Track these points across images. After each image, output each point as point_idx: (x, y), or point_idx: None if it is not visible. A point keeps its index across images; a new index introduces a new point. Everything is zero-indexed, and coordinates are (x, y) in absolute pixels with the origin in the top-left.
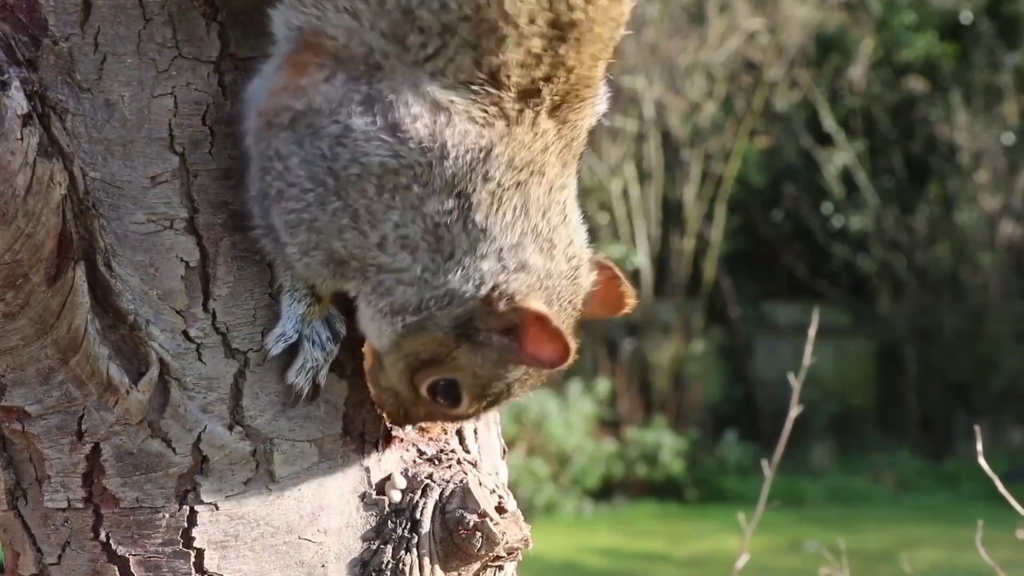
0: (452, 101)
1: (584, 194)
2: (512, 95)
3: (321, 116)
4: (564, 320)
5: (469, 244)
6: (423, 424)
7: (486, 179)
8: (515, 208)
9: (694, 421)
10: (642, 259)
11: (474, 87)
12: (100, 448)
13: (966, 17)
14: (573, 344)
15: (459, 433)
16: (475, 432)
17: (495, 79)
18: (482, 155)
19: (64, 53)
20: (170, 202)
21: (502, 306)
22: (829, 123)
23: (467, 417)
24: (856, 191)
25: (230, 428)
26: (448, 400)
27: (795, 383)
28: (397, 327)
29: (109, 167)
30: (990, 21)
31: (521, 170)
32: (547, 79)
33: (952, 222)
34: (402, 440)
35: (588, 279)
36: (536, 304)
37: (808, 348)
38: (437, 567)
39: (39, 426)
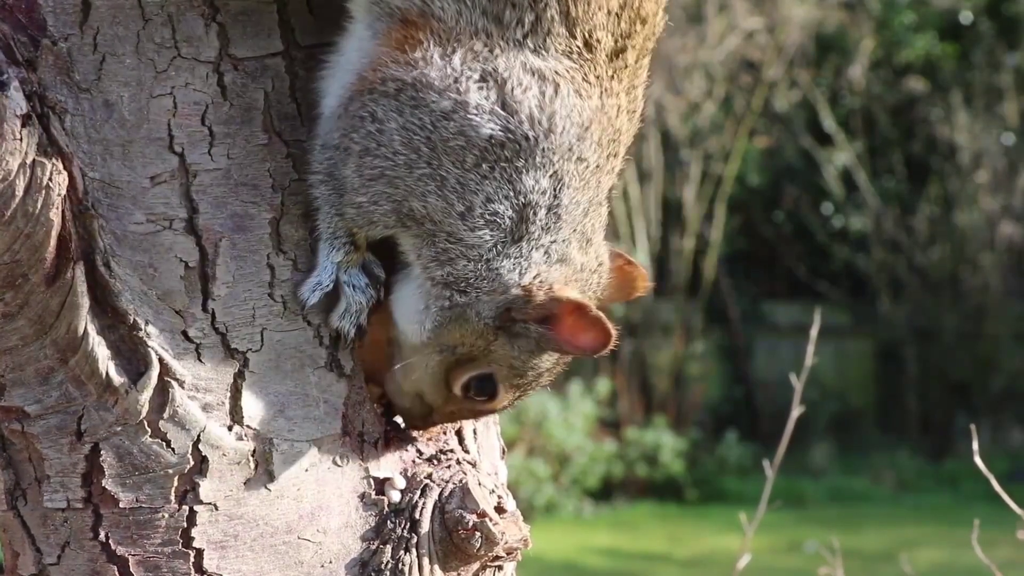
0: (558, 73)
1: None
2: (604, 59)
3: (431, 91)
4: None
5: (541, 230)
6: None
7: (580, 160)
8: (587, 200)
9: (694, 421)
10: (642, 259)
11: (573, 56)
12: (99, 448)
13: (966, 17)
14: (614, 330)
15: (458, 433)
16: (474, 432)
17: (588, 45)
18: (582, 132)
19: (63, 53)
20: (169, 202)
21: (541, 296)
22: (829, 123)
23: (498, 411)
24: (856, 191)
25: (229, 428)
26: (484, 395)
27: (796, 383)
28: (444, 304)
29: (108, 167)
30: (990, 21)
31: (604, 148)
32: (628, 35)
33: (952, 222)
34: (401, 440)
35: (607, 270)
36: (572, 293)
37: (809, 348)
38: (436, 567)
39: (38, 426)
